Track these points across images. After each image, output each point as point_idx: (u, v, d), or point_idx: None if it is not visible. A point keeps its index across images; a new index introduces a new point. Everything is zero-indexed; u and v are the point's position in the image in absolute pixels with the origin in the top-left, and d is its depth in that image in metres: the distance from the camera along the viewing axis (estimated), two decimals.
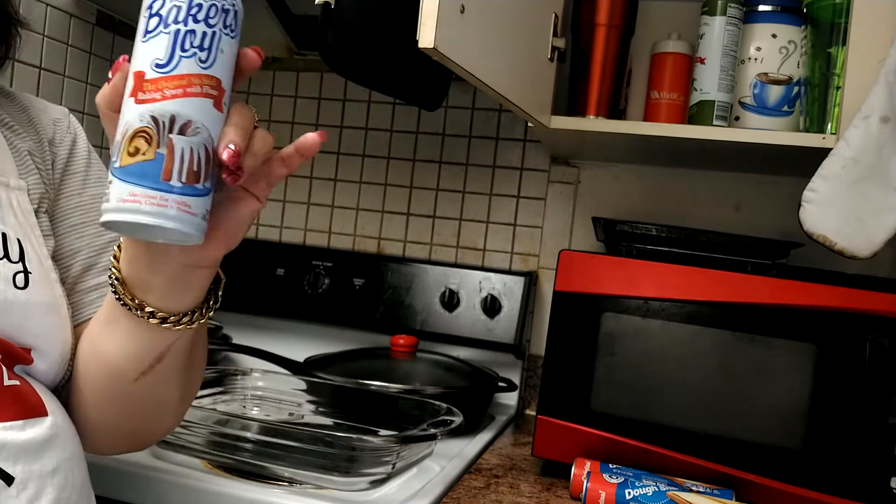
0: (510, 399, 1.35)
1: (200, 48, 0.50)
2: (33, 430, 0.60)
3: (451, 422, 0.95)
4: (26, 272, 0.62)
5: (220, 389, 1.11)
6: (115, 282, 0.60)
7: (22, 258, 0.62)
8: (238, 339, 1.39)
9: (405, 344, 1.26)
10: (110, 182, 0.49)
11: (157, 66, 0.50)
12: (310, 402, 1.12)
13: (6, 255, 0.61)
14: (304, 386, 1.14)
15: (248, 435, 0.89)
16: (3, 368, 0.59)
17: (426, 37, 0.69)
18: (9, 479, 0.57)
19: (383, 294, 1.37)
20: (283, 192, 1.52)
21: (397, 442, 0.89)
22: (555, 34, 1.04)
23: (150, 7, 0.51)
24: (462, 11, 0.73)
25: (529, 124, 1.15)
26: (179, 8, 0.50)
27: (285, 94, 1.53)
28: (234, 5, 0.53)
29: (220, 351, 1.32)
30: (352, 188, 1.49)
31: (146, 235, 0.53)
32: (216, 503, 0.84)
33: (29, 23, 0.75)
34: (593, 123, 1.12)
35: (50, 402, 0.63)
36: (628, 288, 0.97)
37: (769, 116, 1.12)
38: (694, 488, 0.89)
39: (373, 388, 1.13)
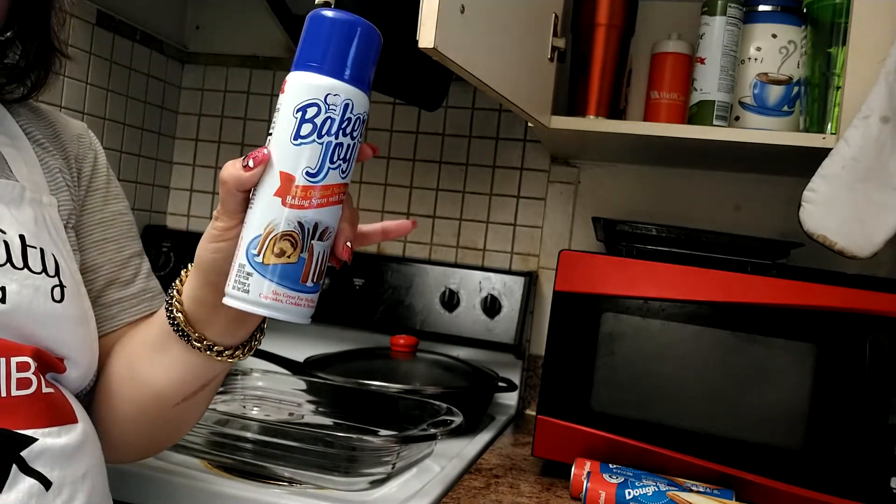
0: (510, 399, 1.35)
1: (343, 160, 0.54)
2: (67, 437, 0.62)
3: (451, 422, 0.95)
4: (62, 286, 0.64)
5: (220, 389, 1.11)
6: (178, 315, 0.63)
7: (57, 273, 0.64)
8: None
9: (405, 344, 1.26)
10: (249, 274, 0.53)
11: (308, 174, 0.53)
12: (310, 402, 1.12)
13: (44, 270, 0.63)
14: (304, 386, 1.14)
15: (248, 435, 0.89)
16: (41, 377, 0.61)
17: (426, 37, 0.69)
18: (47, 484, 0.59)
19: (383, 294, 1.37)
20: None
21: (397, 442, 0.89)
22: (555, 34, 1.03)
23: (304, 111, 0.53)
24: (462, 11, 0.73)
25: (529, 124, 1.15)
26: (333, 121, 0.53)
27: None
28: (367, 112, 0.56)
29: None
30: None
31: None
32: (216, 503, 0.84)
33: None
34: (593, 123, 1.12)
35: (78, 409, 0.65)
36: (628, 288, 0.97)
37: (769, 116, 1.12)
38: (694, 488, 0.89)
39: (373, 388, 1.13)
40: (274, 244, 0.53)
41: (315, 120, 0.53)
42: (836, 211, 0.92)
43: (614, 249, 1.05)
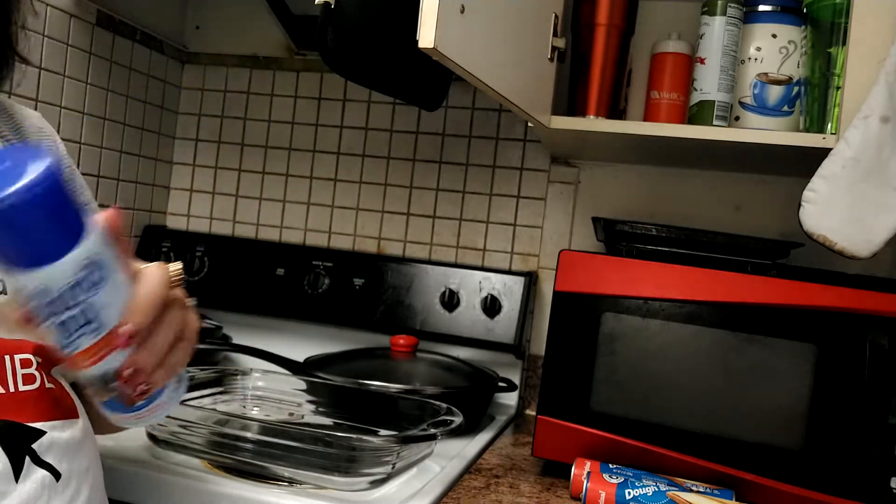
0: (510, 399, 1.35)
1: (88, 321, 0.49)
2: (71, 431, 0.63)
3: (451, 422, 0.95)
4: None
5: (220, 389, 1.11)
6: None
7: None
8: (238, 339, 1.39)
9: (405, 344, 1.26)
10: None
11: (63, 348, 0.50)
12: (310, 402, 1.12)
13: None
14: (304, 386, 1.14)
15: (248, 435, 0.89)
16: (43, 373, 0.63)
17: (426, 37, 0.69)
18: (57, 475, 0.61)
19: (383, 294, 1.37)
20: (283, 192, 1.52)
21: (397, 442, 0.89)
22: (555, 34, 1.04)
23: (32, 299, 0.48)
24: (462, 11, 0.73)
25: (529, 124, 1.15)
26: (42, 307, 0.48)
27: (285, 94, 1.53)
28: (88, 260, 0.48)
29: (220, 351, 1.32)
30: (352, 188, 1.49)
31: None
32: (216, 503, 0.84)
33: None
34: (593, 123, 1.12)
35: (78, 405, 0.66)
36: (628, 288, 0.97)
37: (769, 116, 1.12)
38: (694, 488, 0.89)
39: (373, 388, 1.13)
40: (94, 392, 0.53)
41: (33, 311, 0.49)
42: (836, 211, 0.92)
43: (614, 249, 1.05)
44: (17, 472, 0.58)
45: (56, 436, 0.61)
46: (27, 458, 0.59)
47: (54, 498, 0.60)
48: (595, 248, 1.23)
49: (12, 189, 0.44)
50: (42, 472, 0.59)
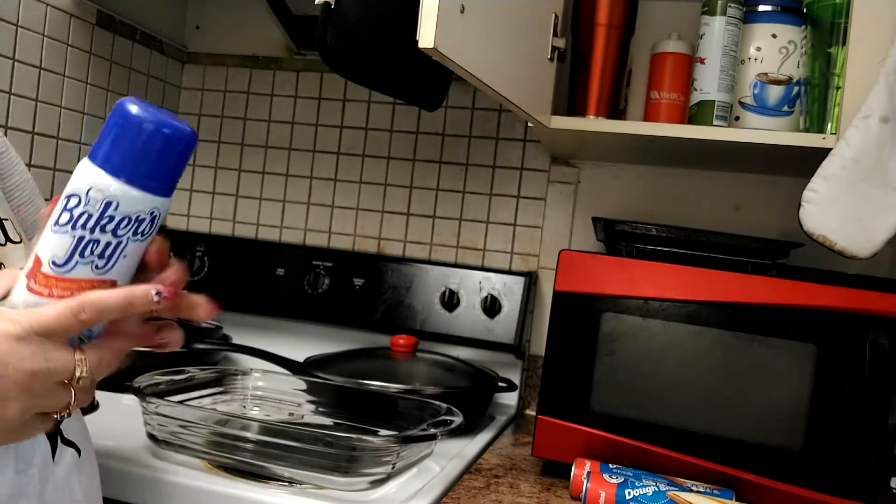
0: (510, 399, 1.35)
1: (101, 256, 0.51)
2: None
3: (451, 422, 0.95)
4: None
5: (220, 389, 1.11)
6: None
7: None
8: (238, 339, 1.39)
9: (405, 344, 1.26)
10: None
11: (55, 263, 0.51)
12: (310, 402, 1.12)
13: None
14: (304, 386, 1.14)
15: (248, 435, 0.89)
16: None
17: (426, 37, 0.69)
18: (79, 451, 0.63)
19: (383, 294, 1.37)
20: (283, 192, 1.52)
21: (397, 442, 0.89)
22: (555, 34, 1.03)
23: (68, 200, 0.51)
24: (462, 11, 0.73)
25: (529, 124, 1.15)
26: (90, 216, 0.50)
27: (285, 94, 1.53)
28: (153, 213, 0.52)
29: (220, 351, 1.32)
30: (352, 188, 1.49)
31: None
32: (216, 503, 0.84)
33: None
34: (593, 123, 1.12)
35: None
36: (628, 288, 0.97)
37: (769, 116, 1.12)
38: (694, 488, 0.89)
39: (373, 388, 1.13)
40: None
41: (73, 211, 0.51)
42: (836, 211, 0.92)
43: (614, 249, 1.05)
44: (54, 453, 0.59)
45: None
46: (58, 439, 0.60)
47: (78, 475, 0.62)
48: (595, 248, 1.23)
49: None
50: (69, 451, 0.61)
